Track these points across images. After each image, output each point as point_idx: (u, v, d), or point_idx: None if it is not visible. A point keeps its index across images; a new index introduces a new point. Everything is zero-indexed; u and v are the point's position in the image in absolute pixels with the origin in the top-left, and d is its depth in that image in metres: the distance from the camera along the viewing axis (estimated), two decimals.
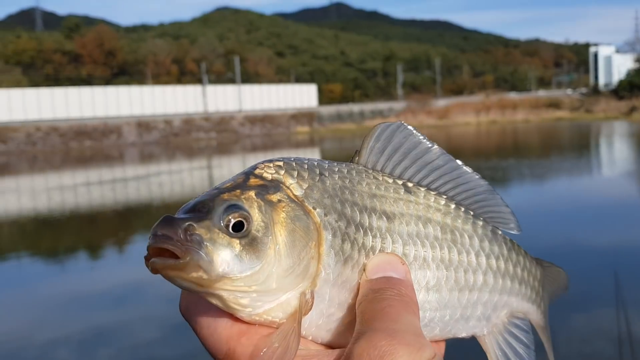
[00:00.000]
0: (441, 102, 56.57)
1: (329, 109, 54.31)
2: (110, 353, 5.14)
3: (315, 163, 0.63)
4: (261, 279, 0.53)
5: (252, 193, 0.56)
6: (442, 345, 0.71)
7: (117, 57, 74.87)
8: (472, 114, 46.79)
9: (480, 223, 0.74)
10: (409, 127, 0.69)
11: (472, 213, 0.73)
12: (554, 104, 51.07)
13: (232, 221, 0.53)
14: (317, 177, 0.61)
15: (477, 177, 0.73)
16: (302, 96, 54.54)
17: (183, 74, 75.21)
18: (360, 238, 0.61)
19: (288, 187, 0.58)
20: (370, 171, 0.67)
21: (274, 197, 0.56)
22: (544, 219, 9.63)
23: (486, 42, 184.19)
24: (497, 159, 20.15)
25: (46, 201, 16.28)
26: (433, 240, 0.67)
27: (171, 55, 78.22)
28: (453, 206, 0.72)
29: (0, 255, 9.75)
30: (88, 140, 38.36)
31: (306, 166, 0.62)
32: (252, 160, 27.81)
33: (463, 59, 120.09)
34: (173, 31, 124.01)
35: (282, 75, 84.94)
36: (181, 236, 0.51)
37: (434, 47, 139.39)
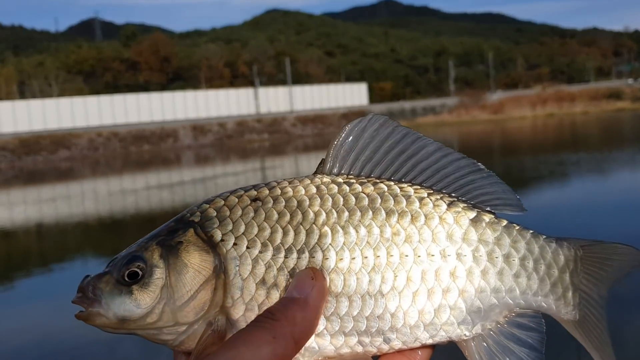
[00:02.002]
0: (495, 97, 55.40)
1: (380, 107, 54.09)
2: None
3: (244, 193, 0.66)
4: (157, 315, 0.61)
5: (154, 242, 0.63)
6: (426, 355, 0.66)
7: (172, 63, 76.80)
8: (528, 108, 45.59)
9: (459, 209, 0.66)
10: (380, 118, 0.68)
11: (446, 201, 0.66)
12: (615, 95, 49.14)
13: (126, 272, 0.62)
14: (240, 210, 0.64)
15: (461, 157, 0.68)
16: (352, 95, 54.54)
17: (235, 77, 76.35)
18: (280, 259, 0.62)
19: (199, 226, 0.64)
20: (313, 182, 0.67)
21: (175, 241, 0.63)
22: (606, 214, 9.35)
23: (541, 33, 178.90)
24: (555, 153, 19.62)
25: (109, 204, 16.92)
26: (368, 244, 0.63)
27: (223, 59, 79.59)
28: (417, 195, 0.66)
29: (68, 256, 10.22)
30: (146, 144, 39.48)
31: (233, 200, 0.66)
32: (304, 160, 28.04)
33: (517, 52, 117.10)
34: (225, 35, 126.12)
35: (332, 75, 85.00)
36: (89, 292, 0.62)
37: (487, 40, 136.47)
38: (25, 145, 34.78)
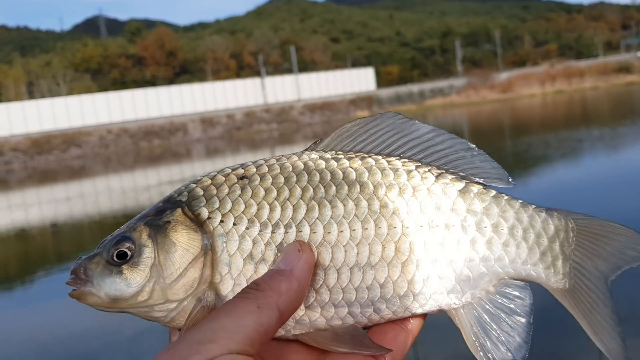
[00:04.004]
0: (503, 76, 54.93)
1: (387, 92, 53.86)
2: None
3: (231, 172, 0.68)
4: (148, 294, 0.63)
5: (142, 222, 0.65)
6: (417, 324, 0.67)
7: (177, 56, 76.86)
8: (537, 85, 45.22)
9: (447, 181, 0.67)
10: (395, 115, 0.69)
11: (435, 173, 0.67)
12: (624, 69, 48.58)
13: (115, 252, 0.64)
14: (227, 188, 0.66)
15: (453, 137, 0.69)
16: (359, 80, 54.31)
17: (241, 68, 76.33)
18: (267, 234, 0.64)
19: (186, 205, 0.65)
20: (300, 158, 0.68)
21: (163, 221, 0.64)
22: (619, 190, 9.30)
23: (547, 9, 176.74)
24: (566, 130, 19.50)
25: (123, 202, 17.05)
26: (355, 217, 0.64)
27: (229, 51, 79.51)
28: (405, 168, 0.67)
29: (84, 253, 10.35)
30: (156, 139, 39.66)
31: (220, 179, 0.67)
32: None
33: (524, 29, 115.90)
34: (229, 26, 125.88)
35: (338, 61, 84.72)
36: (81, 273, 0.65)
37: (493, 19, 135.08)
38: (37, 145, 35.07)
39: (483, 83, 49.60)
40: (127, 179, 22.69)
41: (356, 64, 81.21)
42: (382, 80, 68.79)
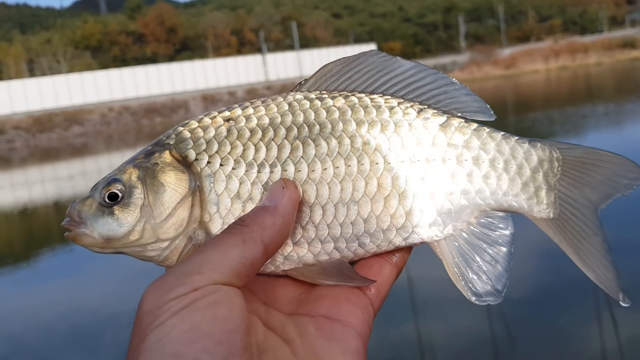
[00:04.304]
0: (507, 52, 54.48)
1: None
2: None
3: (217, 115, 0.71)
4: (139, 233, 0.66)
5: (132, 165, 0.68)
6: (402, 257, 0.69)
7: (178, 33, 76.27)
8: (541, 61, 44.86)
9: (428, 116, 0.68)
10: (379, 52, 0.70)
11: (416, 108, 0.69)
12: (629, 44, 48.11)
13: (106, 194, 0.67)
14: (213, 130, 0.69)
15: (435, 73, 0.70)
16: None
17: (242, 45, 75.76)
18: (253, 174, 0.66)
19: (174, 148, 0.69)
20: (285, 99, 0.70)
21: (152, 163, 0.67)
22: None
23: None
24: (570, 107, 19.38)
25: None
26: (339, 154, 0.66)
27: (229, 27, 78.85)
28: (387, 105, 0.68)
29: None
30: (158, 116, 39.57)
31: (206, 121, 0.70)
32: None
33: (528, 4, 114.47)
34: (229, 2, 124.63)
35: (340, 37, 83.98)
36: (75, 216, 0.67)
37: None
38: (39, 123, 35.02)
39: (486, 59, 49.21)
40: (129, 156, 22.70)
41: (358, 40, 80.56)
42: None
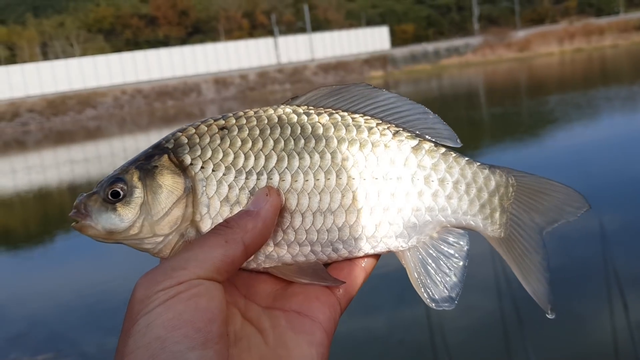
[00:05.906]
0: (521, 34, 53.80)
1: (402, 51, 53.05)
2: None
3: (213, 122, 0.77)
4: (138, 228, 0.73)
5: (134, 166, 0.74)
6: (370, 263, 0.77)
7: (190, 16, 76.10)
8: (555, 44, 44.30)
9: (402, 138, 0.75)
10: (367, 85, 0.78)
11: (392, 130, 0.76)
12: None
13: (110, 191, 0.73)
14: (208, 138, 0.75)
15: (414, 103, 0.78)
16: (374, 39, 53.56)
17: (254, 27, 75.45)
18: (242, 180, 0.73)
19: (172, 152, 0.75)
20: (276, 112, 0.77)
21: (152, 165, 0.74)
22: (637, 151, 9.20)
23: None
24: (584, 90, 19.17)
25: None
26: (320, 168, 0.73)
27: (241, 10, 78.50)
28: (367, 125, 0.75)
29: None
30: (170, 100, 39.68)
31: (203, 128, 0.76)
32: None
33: None
34: None
35: (352, 20, 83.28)
36: (81, 208, 0.74)
37: None
38: (53, 106, 35.26)
39: (500, 42, 48.64)
40: (142, 140, 22.82)
41: (370, 22, 79.85)
42: (397, 40, 67.68)
